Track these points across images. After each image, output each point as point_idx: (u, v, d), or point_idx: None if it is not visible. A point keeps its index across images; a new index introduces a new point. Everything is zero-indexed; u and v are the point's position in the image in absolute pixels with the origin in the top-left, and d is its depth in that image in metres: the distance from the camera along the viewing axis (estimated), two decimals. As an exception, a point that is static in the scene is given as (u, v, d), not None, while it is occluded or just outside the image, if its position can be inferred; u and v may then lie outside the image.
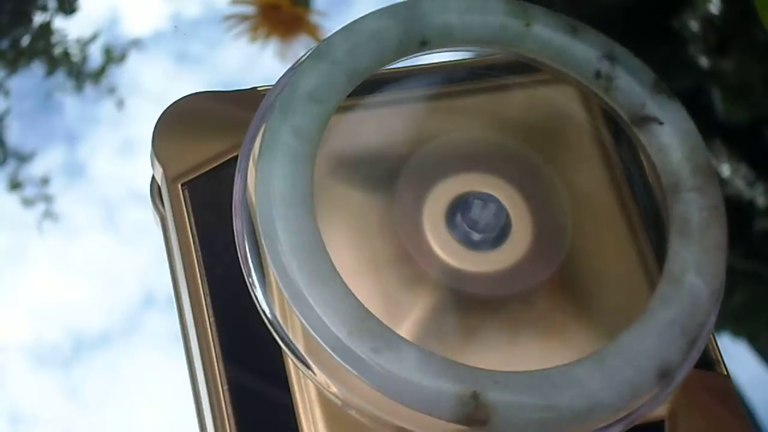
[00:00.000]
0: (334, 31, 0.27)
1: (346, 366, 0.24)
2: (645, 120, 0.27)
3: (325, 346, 0.24)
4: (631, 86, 0.28)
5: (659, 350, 0.25)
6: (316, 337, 0.24)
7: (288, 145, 0.25)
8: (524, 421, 0.24)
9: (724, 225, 0.27)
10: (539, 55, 0.28)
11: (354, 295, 0.24)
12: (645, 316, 0.25)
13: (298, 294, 0.24)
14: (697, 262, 0.26)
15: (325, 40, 0.27)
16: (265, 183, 0.25)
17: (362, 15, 0.27)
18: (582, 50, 0.28)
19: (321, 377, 0.25)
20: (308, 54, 0.27)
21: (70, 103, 0.37)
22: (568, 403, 0.24)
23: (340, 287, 0.24)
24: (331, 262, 0.24)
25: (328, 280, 0.24)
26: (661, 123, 0.27)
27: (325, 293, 0.24)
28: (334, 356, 0.24)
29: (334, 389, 0.25)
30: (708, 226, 0.27)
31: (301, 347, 0.25)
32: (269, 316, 0.26)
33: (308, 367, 0.25)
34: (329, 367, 0.25)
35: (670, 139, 0.27)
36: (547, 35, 0.28)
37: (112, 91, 0.37)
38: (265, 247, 0.25)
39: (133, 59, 0.38)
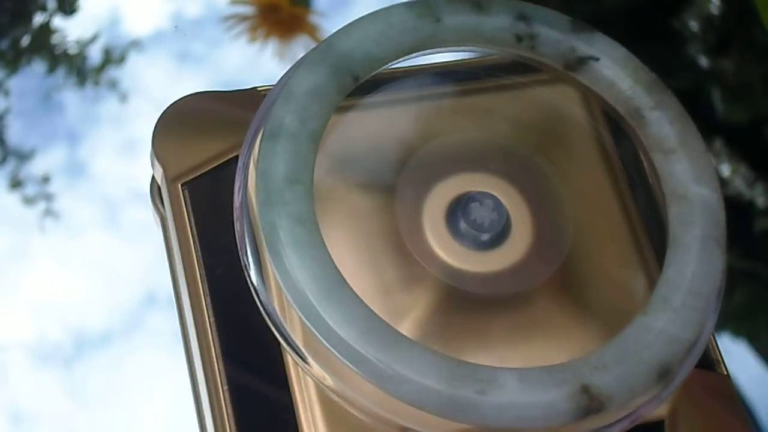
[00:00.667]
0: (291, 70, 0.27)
1: (462, 418, 0.24)
2: (581, 61, 0.28)
3: (430, 410, 0.24)
4: (554, 36, 0.28)
5: (706, 266, 0.26)
6: (419, 405, 0.24)
7: (296, 234, 0.25)
8: (634, 387, 0.24)
9: (696, 130, 0.27)
10: (459, 42, 0.28)
11: (436, 350, 0.24)
12: (674, 243, 0.26)
13: (384, 374, 0.24)
14: (693, 174, 0.27)
15: (269, 115, 0.26)
16: (291, 279, 0.24)
17: (290, 73, 0.27)
18: (494, 22, 0.28)
19: (317, 370, 0.25)
20: (263, 136, 0.26)
21: (71, 103, 0.37)
22: (658, 350, 0.25)
23: (421, 350, 0.24)
24: (397, 330, 0.24)
25: (410, 347, 0.24)
26: (597, 59, 0.28)
27: (413, 360, 0.24)
28: (444, 416, 0.24)
29: (329, 382, 0.25)
30: (685, 134, 0.27)
31: (299, 342, 0.25)
32: (269, 311, 0.26)
33: (306, 361, 0.25)
34: (326, 362, 0.25)
35: (612, 69, 0.28)
36: (459, 21, 0.28)
37: (113, 85, 0.37)
38: (321, 338, 0.24)
39: (134, 59, 0.38)
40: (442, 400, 0.23)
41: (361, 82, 0.27)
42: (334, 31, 0.27)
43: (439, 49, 0.28)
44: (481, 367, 0.24)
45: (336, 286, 0.24)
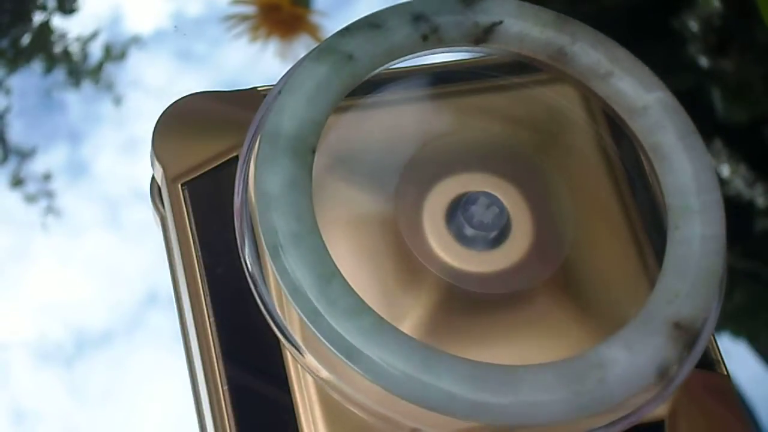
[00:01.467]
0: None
1: (596, 412, 0.24)
2: (487, 31, 0.28)
3: (566, 421, 0.24)
4: (452, 21, 0.27)
5: (699, 161, 0.26)
6: (555, 420, 0.24)
7: (362, 328, 0.24)
8: (707, 298, 0.25)
9: (618, 44, 0.28)
10: (377, 66, 0.27)
11: (542, 363, 0.24)
12: (657, 151, 0.27)
13: (484, 405, 0.23)
14: (641, 84, 0.27)
15: (260, 227, 0.25)
16: (380, 367, 0.24)
17: (249, 167, 0.26)
18: (397, 33, 0.27)
19: (316, 367, 0.25)
20: (269, 254, 0.25)
21: (73, 102, 0.37)
22: (707, 254, 0.26)
23: (532, 370, 0.24)
24: (501, 365, 0.24)
25: (518, 373, 0.24)
26: (500, 22, 0.27)
27: (533, 383, 0.24)
28: (580, 417, 0.24)
29: (327, 377, 0.25)
30: (613, 53, 0.28)
31: (299, 339, 0.25)
32: (269, 309, 0.26)
33: (305, 358, 0.25)
34: (325, 358, 0.25)
35: (517, 24, 0.28)
36: (366, 47, 0.27)
37: (113, 84, 0.37)
38: (434, 405, 0.23)
39: (134, 58, 0.38)
40: (573, 406, 0.23)
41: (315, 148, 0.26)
42: (333, 31, 0.27)
43: (363, 81, 0.27)
44: (586, 354, 0.24)
45: (429, 352, 0.24)
